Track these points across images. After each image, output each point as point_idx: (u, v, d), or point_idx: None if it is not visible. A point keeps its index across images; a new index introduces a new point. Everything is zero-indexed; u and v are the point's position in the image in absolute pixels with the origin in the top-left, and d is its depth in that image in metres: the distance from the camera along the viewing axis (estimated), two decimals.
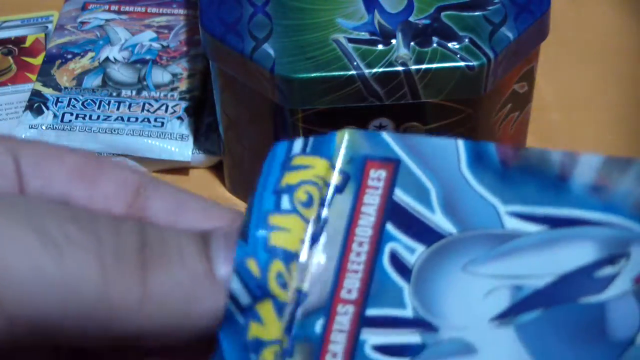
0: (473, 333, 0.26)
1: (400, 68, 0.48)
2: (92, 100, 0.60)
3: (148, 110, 0.60)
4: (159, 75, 0.62)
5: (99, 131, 0.58)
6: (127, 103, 0.60)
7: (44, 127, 0.58)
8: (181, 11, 0.66)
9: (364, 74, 0.48)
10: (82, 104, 0.60)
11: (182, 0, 0.67)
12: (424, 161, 0.27)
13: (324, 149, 0.27)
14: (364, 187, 0.27)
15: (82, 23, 0.66)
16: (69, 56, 0.63)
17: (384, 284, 0.26)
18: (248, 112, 0.53)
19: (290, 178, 0.26)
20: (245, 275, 0.25)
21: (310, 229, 0.26)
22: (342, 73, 0.48)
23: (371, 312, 0.26)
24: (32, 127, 0.59)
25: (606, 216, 0.26)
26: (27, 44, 0.67)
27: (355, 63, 0.48)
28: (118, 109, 0.60)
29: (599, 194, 0.26)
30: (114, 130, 0.58)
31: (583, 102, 0.63)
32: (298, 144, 0.27)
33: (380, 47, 0.49)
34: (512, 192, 0.26)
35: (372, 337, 0.26)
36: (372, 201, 0.26)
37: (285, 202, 0.26)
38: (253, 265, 0.25)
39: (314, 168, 0.26)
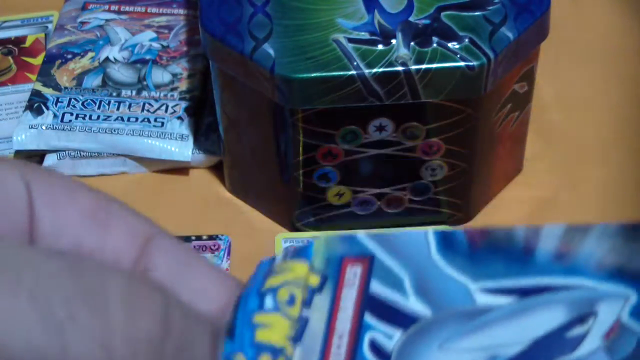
0: None
1: (400, 68, 0.48)
2: (92, 100, 0.60)
3: (148, 110, 0.60)
4: (159, 75, 0.62)
5: (99, 131, 0.58)
6: (127, 103, 0.60)
7: (44, 127, 0.58)
8: (181, 11, 0.66)
9: (364, 74, 0.48)
10: (82, 104, 0.60)
11: (182, 0, 0.67)
12: (396, 253, 0.28)
13: (303, 254, 0.28)
14: (341, 284, 0.28)
15: (82, 23, 0.66)
16: (69, 56, 0.63)
17: None
18: (248, 112, 0.53)
19: (273, 281, 0.27)
20: None
21: (293, 327, 0.27)
22: (342, 73, 0.48)
23: None
24: (32, 127, 0.59)
25: (571, 280, 0.27)
26: (27, 44, 0.67)
27: (355, 63, 0.48)
28: (118, 109, 0.60)
29: (563, 260, 0.27)
30: (114, 130, 0.58)
31: (583, 102, 0.63)
32: (280, 256, 0.29)
33: (380, 47, 0.49)
34: (481, 269, 0.28)
35: None
36: (349, 295, 0.28)
37: (268, 301, 0.27)
38: None
39: (294, 271, 0.28)
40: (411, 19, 0.50)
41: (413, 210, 0.55)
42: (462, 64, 0.48)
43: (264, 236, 0.56)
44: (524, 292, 0.27)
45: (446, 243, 0.28)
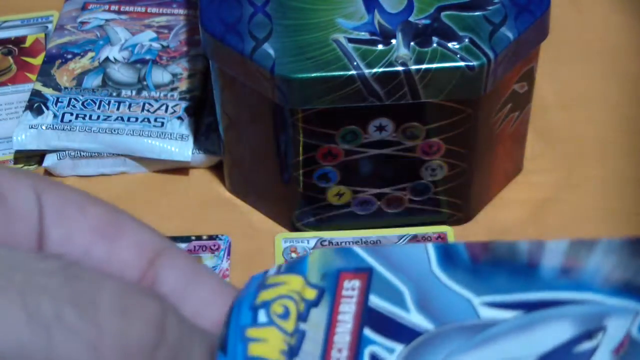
0: None
1: (400, 68, 0.48)
2: (92, 100, 0.60)
3: (148, 110, 0.60)
4: (159, 75, 0.62)
5: (99, 131, 0.58)
6: (127, 103, 0.60)
7: (44, 127, 0.58)
8: (181, 11, 0.66)
9: (364, 74, 0.48)
10: (82, 104, 0.60)
11: (182, 0, 0.67)
12: (395, 267, 0.28)
13: (298, 267, 0.28)
14: (338, 297, 0.27)
15: (82, 23, 0.66)
16: (69, 56, 0.63)
17: None
18: (248, 112, 0.53)
19: (266, 295, 0.27)
20: None
21: (288, 341, 0.26)
22: (342, 73, 0.48)
23: None
24: (32, 127, 0.59)
25: (578, 294, 0.27)
26: (27, 44, 0.67)
27: (355, 63, 0.48)
28: (118, 109, 0.60)
29: (569, 274, 0.27)
30: (114, 130, 0.58)
31: (583, 102, 0.63)
32: (273, 269, 0.28)
33: (380, 47, 0.49)
34: (485, 284, 0.27)
35: None
36: (348, 309, 0.27)
37: (262, 315, 0.26)
38: None
39: (289, 284, 0.27)
40: (411, 19, 0.50)
41: (413, 210, 0.55)
42: (462, 64, 0.48)
43: (264, 236, 0.56)
44: (529, 307, 0.27)
45: (447, 257, 0.28)
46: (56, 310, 0.22)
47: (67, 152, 0.59)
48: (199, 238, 0.55)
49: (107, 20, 0.66)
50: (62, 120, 0.59)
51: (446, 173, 0.53)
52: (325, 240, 0.55)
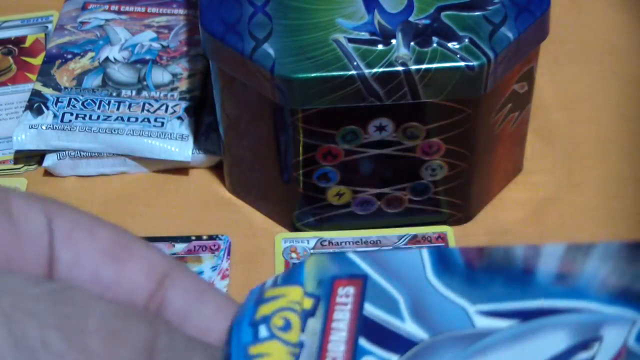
0: None
1: (400, 68, 0.48)
2: (92, 100, 0.60)
3: (148, 110, 0.60)
4: (159, 75, 0.62)
5: (99, 131, 0.58)
6: (127, 103, 0.60)
7: (44, 127, 0.58)
8: (181, 11, 0.66)
9: (364, 74, 0.48)
10: (82, 104, 0.60)
11: (182, 0, 0.67)
12: (390, 274, 0.27)
13: (295, 277, 0.27)
14: (332, 305, 0.27)
15: (82, 23, 0.66)
16: (69, 56, 0.63)
17: None
18: (248, 112, 0.53)
19: (265, 309, 0.27)
20: None
21: (293, 352, 0.26)
22: (342, 73, 0.48)
23: None
24: (32, 127, 0.59)
25: (574, 302, 0.26)
26: (27, 44, 0.67)
27: (355, 63, 0.48)
28: (118, 109, 0.60)
29: (565, 281, 0.27)
30: (114, 130, 0.58)
31: (583, 102, 0.63)
32: (270, 281, 0.28)
33: (380, 47, 0.49)
34: (480, 291, 0.27)
35: None
36: (342, 317, 0.27)
37: (262, 330, 0.26)
38: None
39: (288, 296, 0.27)
40: (411, 19, 0.50)
41: (413, 210, 0.55)
42: (462, 64, 0.48)
43: (264, 236, 0.56)
44: (524, 315, 0.26)
45: (442, 263, 0.27)
46: (42, 336, 0.22)
47: (67, 152, 0.59)
48: (199, 238, 0.55)
49: (107, 20, 0.66)
50: (62, 120, 0.59)
51: (446, 173, 0.53)
52: (325, 240, 0.55)
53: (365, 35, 0.50)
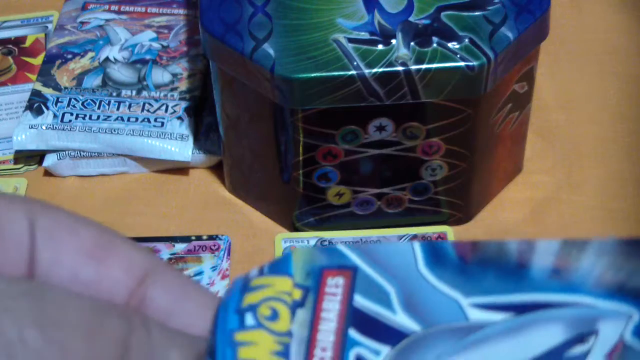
0: None
1: (400, 68, 0.48)
2: (92, 100, 0.60)
3: (148, 110, 0.60)
4: (159, 75, 0.62)
5: (99, 131, 0.58)
6: (127, 103, 0.60)
7: (44, 127, 0.58)
8: (181, 11, 0.66)
9: (364, 74, 0.48)
10: (82, 104, 0.60)
11: (182, 0, 0.67)
12: (381, 266, 0.27)
13: (282, 268, 0.27)
14: (322, 295, 0.27)
15: (82, 23, 0.66)
16: (69, 56, 0.63)
17: None
18: (248, 112, 0.53)
19: (251, 298, 0.26)
20: None
21: (282, 341, 0.26)
22: (342, 73, 0.48)
23: None
24: (32, 127, 0.59)
25: (570, 296, 0.26)
26: (27, 44, 0.67)
27: (355, 63, 0.48)
28: (118, 109, 0.60)
29: (560, 276, 0.26)
30: (114, 130, 0.58)
31: (583, 102, 0.63)
32: (254, 271, 0.27)
33: (380, 47, 0.49)
34: (473, 284, 0.27)
35: None
36: (331, 307, 0.27)
37: (249, 319, 0.26)
38: None
39: (275, 286, 0.27)
40: (411, 19, 0.50)
41: (413, 210, 0.55)
42: (462, 64, 0.48)
43: (264, 236, 0.56)
44: (519, 309, 0.26)
45: (434, 256, 0.27)
46: (19, 333, 0.22)
47: (67, 152, 0.59)
48: (199, 238, 0.55)
49: (107, 20, 0.66)
50: (62, 120, 0.59)
51: (446, 173, 0.53)
52: (325, 240, 0.55)
53: (365, 35, 0.50)
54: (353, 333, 0.26)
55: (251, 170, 0.56)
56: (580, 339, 0.26)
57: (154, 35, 0.65)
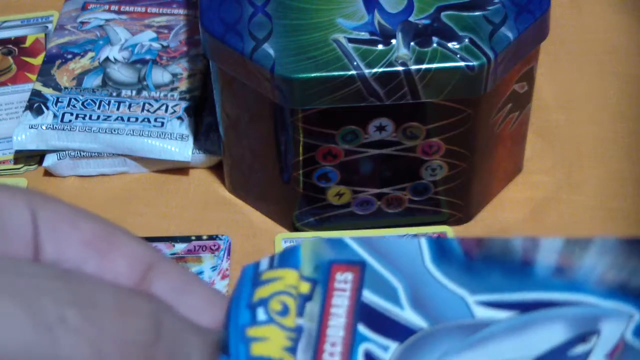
0: None
1: (400, 68, 0.48)
2: (92, 100, 0.60)
3: (148, 110, 0.60)
4: (159, 75, 0.62)
5: (99, 131, 0.58)
6: (127, 103, 0.60)
7: (44, 127, 0.58)
8: (181, 11, 0.66)
9: (364, 74, 0.48)
10: (82, 104, 0.60)
11: (182, 0, 0.67)
12: (388, 261, 0.27)
13: (291, 260, 0.27)
14: (331, 290, 0.27)
15: (82, 23, 0.66)
16: (69, 56, 0.63)
17: None
18: (248, 112, 0.53)
19: (262, 292, 0.27)
20: None
21: (291, 337, 0.26)
22: (342, 73, 0.48)
23: None
24: (32, 127, 0.59)
25: (572, 295, 0.27)
26: (27, 44, 0.67)
27: (355, 63, 0.48)
28: (118, 109, 0.60)
29: (563, 274, 0.27)
30: (114, 130, 0.58)
31: (583, 102, 0.63)
32: (265, 262, 0.28)
33: (380, 47, 0.49)
34: (479, 281, 0.27)
35: None
36: (340, 303, 0.27)
37: (260, 314, 0.26)
38: None
39: (284, 279, 0.27)
40: (411, 19, 0.50)
41: (413, 210, 0.55)
42: (462, 64, 0.48)
43: (264, 236, 0.56)
44: (523, 307, 0.27)
45: (441, 252, 0.27)
46: (59, 312, 0.23)
47: (67, 152, 0.59)
48: (199, 238, 0.55)
49: (107, 20, 0.66)
50: (62, 120, 0.59)
51: (446, 173, 0.53)
52: None
53: (365, 35, 0.50)
54: (362, 328, 0.27)
55: (251, 170, 0.56)
56: (582, 338, 0.26)
57: (154, 35, 0.65)
